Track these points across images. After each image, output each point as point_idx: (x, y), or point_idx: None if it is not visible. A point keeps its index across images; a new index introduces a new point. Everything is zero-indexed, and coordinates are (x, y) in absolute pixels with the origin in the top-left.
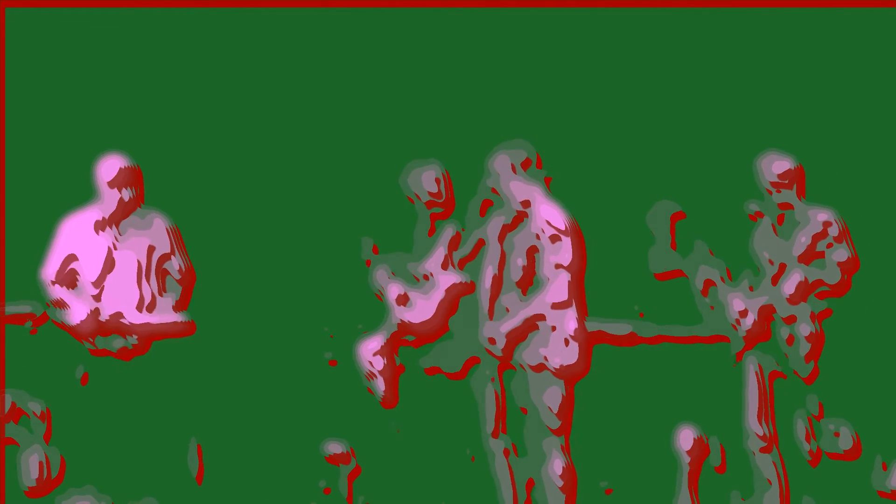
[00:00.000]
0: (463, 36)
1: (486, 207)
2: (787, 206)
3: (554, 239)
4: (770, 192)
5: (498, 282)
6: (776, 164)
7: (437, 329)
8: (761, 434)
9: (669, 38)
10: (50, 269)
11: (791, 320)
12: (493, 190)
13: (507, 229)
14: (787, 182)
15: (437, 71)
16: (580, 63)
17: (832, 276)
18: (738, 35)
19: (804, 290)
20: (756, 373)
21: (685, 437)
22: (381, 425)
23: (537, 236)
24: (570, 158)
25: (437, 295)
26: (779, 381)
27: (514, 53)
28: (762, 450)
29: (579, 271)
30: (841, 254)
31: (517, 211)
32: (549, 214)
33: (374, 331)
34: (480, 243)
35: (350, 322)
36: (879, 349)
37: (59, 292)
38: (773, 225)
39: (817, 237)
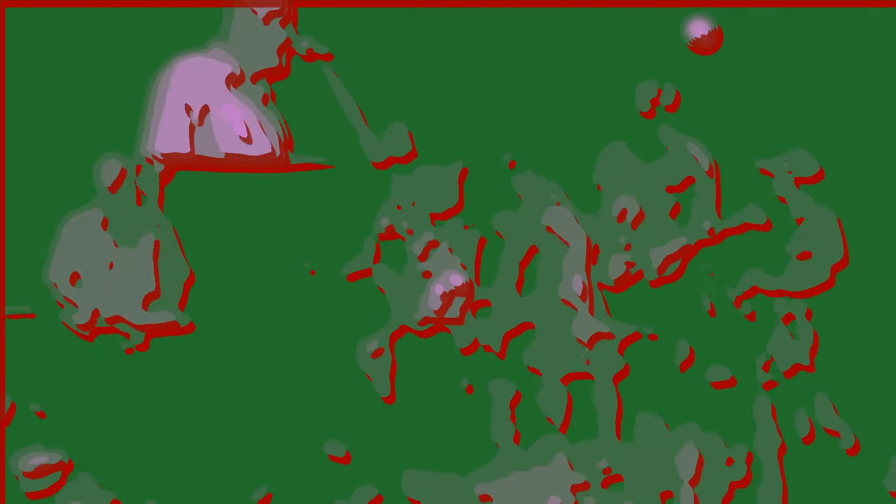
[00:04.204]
0: (464, 36)
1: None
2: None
3: (555, 238)
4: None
5: (499, 280)
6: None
7: (437, 327)
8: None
9: (670, 38)
10: (52, 270)
11: (788, 319)
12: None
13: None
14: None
15: (438, 71)
16: (581, 63)
17: (820, 273)
18: (737, 35)
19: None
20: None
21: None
22: (381, 425)
23: (538, 234)
24: (571, 158)
25: (440, 293)
26: (782, 380)
27: (516, 53)
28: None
29: (580, 271)
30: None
31: (519, 209)
32: (549, 213)
33: (374, 331)
34: (482, 242)
35: (350, 322)
36: (880, 348)
37: (61, 293)
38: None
39: None
